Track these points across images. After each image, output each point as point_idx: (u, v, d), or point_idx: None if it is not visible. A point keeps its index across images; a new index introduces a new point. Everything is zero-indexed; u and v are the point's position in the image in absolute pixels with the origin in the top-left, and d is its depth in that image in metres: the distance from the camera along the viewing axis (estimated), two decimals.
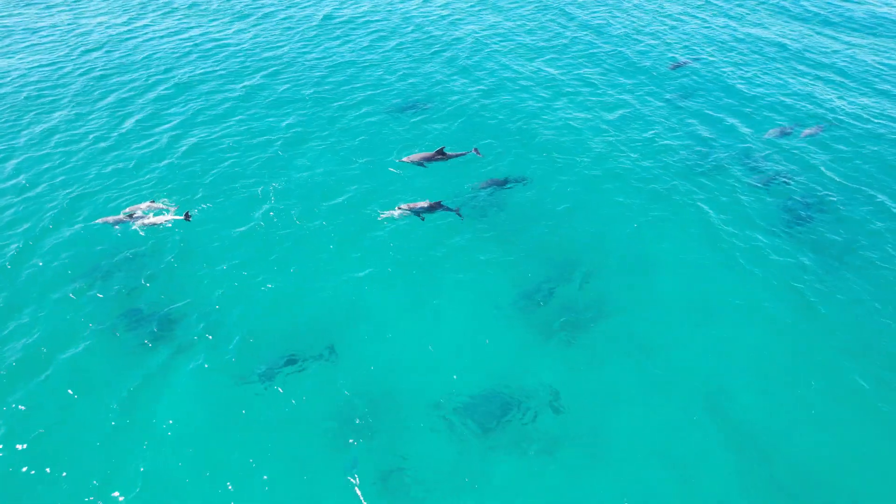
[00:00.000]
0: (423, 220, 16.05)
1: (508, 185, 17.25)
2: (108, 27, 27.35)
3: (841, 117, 20.10)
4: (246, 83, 22.74)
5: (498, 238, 15.85)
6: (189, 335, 13.33)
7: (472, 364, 12.88)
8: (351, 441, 11.45)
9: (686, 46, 24.89)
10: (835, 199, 16.75)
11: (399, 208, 16.08)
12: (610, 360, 12.92)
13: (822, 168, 17.93)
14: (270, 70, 23.59)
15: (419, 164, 17.62)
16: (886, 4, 28.29)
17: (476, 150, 18.27)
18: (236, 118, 20.77)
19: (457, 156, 17.88)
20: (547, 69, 23.34)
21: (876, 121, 19.95)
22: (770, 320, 13.66)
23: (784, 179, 17.41)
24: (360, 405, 12.03)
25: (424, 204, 16.06)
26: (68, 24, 27.64)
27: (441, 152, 17.63)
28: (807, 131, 19.29)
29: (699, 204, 16.77)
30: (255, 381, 12.41)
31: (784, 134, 19.25)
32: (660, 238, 15.81)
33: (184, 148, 19.19)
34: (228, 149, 19.19)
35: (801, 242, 15.51)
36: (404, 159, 17.67)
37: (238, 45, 25.65)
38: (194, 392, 12.26)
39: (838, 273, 14.65)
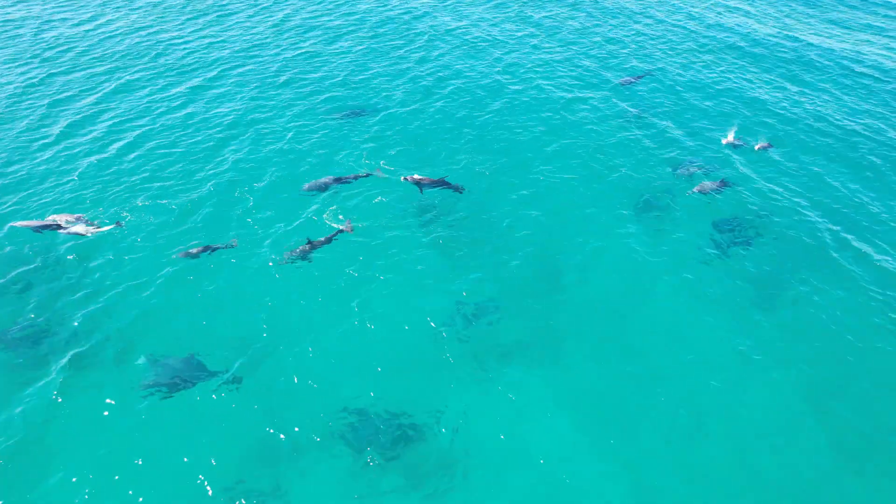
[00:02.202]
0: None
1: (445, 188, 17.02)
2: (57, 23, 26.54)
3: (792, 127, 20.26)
4: (189, 84, 22.18)
5: (438, 249, 15.59)
6: (93, 351, 12.80)
7: (389, 381, 12.57)
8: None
9: (638, 56, 24.85)
10: (774, 220, 16.81)
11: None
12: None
13: (774, 185, 17.87)
14: (215, 72, 23.04)
15: (320, 188, 17.04)
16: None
17: (378, 170, 17.65)
18: (180, 121, 20.27)
19: (357, 177, 17.35)
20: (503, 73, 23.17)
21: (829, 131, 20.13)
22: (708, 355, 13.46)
23: (732, 193, 17.43)
24: (262, 420, 11.70)
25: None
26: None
27: (338, 179, 17.17)
28: (760, 144, 19.22)
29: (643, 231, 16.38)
30: (153, 395, 11.89)
31: (735, 146, 19.19)
32: (597, 263, 15.46)
33: (121, 152, 18.61)
34: (169, 154, 18.63)
35: (736, 269, 15.39)
36: (305, 187, 17.06)
37: (187, 44, 25.03)
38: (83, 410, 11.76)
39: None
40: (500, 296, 14.33)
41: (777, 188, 17.73)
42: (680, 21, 27.94)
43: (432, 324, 13.56)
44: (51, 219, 15.28)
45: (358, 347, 13.08)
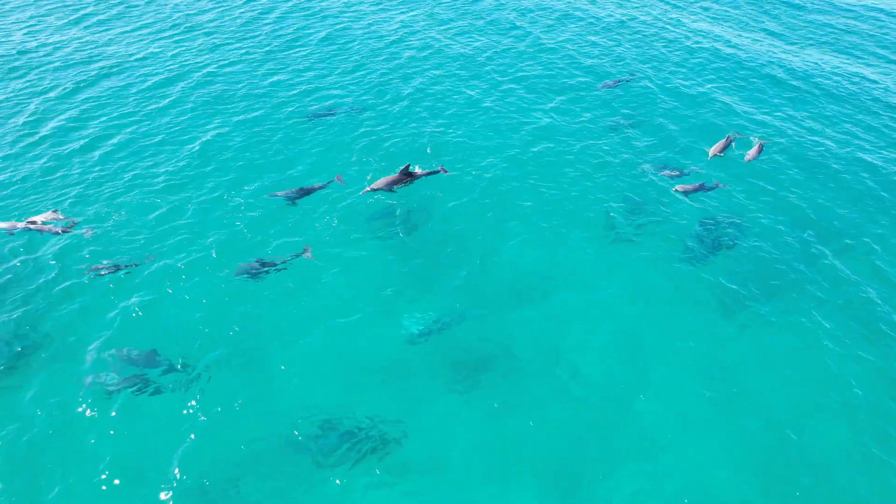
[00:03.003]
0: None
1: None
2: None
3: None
4: (163, 90, 21.85)
5: (404, 258, 15.19)
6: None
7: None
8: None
9: (620, 62, 24.39)
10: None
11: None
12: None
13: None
14: (192, 80, 22.71)
15: (286, 197, 16.50)
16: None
17: (339, 177, 17.06)
18: (148, 126, 19.94)
19: (321, 187, 16.76)
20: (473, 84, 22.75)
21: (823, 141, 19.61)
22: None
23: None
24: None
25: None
26: None
27: (303, 190, 16.59)
28: (750, 154, 18.46)
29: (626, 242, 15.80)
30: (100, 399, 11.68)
31: (720, 157, 18.44)
32: (566, 276, 14.93)
33: (95, 156, 18.37)
34: (140, 159, 18.31)
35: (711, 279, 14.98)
36: (272, 195, 16.56)
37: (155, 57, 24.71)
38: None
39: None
40: (468, 307, 13.91)
41: (755, 198, 17.22)
42: (663, 25, 27.51)
43: (398, 335, 13.24)
44: (28, 220, 15.33)
45: (322, 357, 12.87)
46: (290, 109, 20.82)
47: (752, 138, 19.28)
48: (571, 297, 14.33)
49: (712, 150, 18.39)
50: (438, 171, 17.08)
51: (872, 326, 13.64)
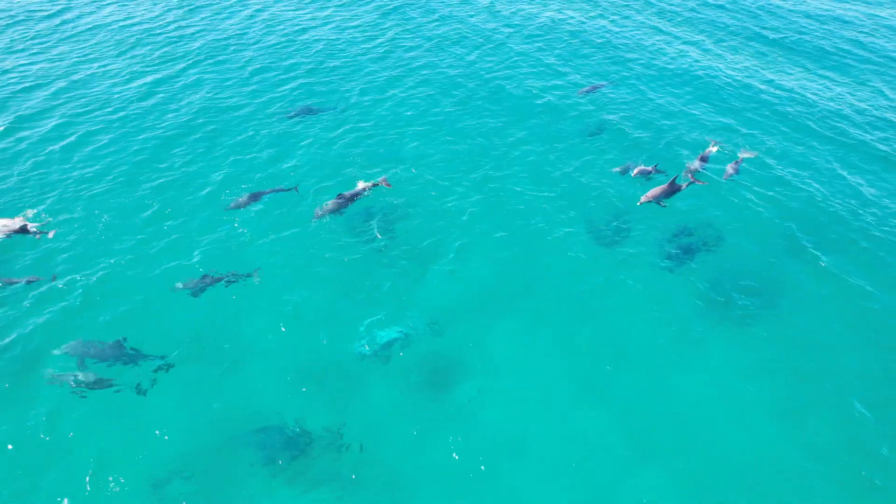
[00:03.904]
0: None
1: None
2: None
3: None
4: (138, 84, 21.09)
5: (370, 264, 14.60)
6: None
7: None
8: None
9: (600, 64, 24.04)
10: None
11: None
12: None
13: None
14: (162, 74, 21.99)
15: (245, 204, 15.91)
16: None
17: (296, 188, 16.54)
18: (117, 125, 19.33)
19: (276, 191, 16.31)
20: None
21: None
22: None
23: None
24: None
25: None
26: None
27: (256, 195, 16.06)
28: (728, 170, 17.43)
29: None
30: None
31: (700, 166, 17.59)
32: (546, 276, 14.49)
33: (63, 156, 17.90)
34: (110, 161, 17.81)
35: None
36: (232, 205, 15.93)
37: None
38: None
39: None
40: (429, 317, 13.40)
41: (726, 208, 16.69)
42: (648, 28, 27.33)
43: (353, 346, 12.81)
44: None
45: (274, 364, 12.49)
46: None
47: (739, 153, 18.33)
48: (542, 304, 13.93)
49: (644, 197, 16.02)
50: (379, 184, 16.46)
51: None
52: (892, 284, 14.28)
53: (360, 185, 16.33)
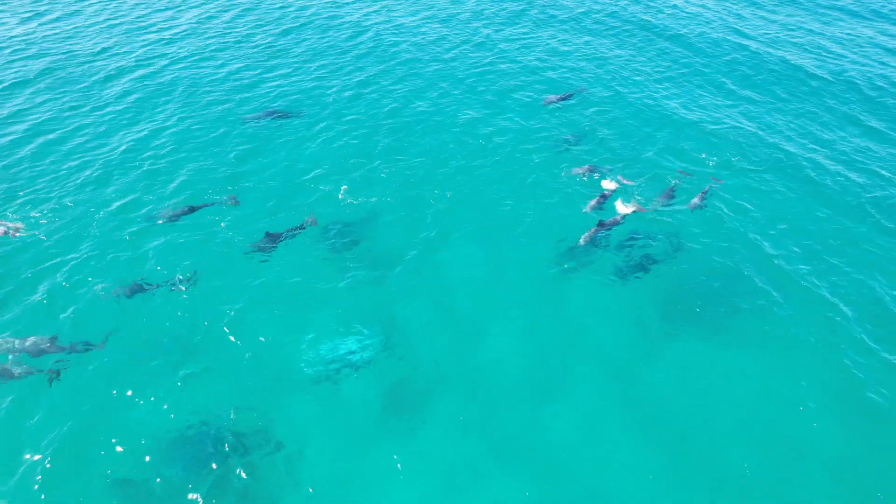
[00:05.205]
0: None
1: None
2: None
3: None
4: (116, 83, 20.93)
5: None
6: None
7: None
8: None
9: (565, 73, 23.86)
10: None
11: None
12: None
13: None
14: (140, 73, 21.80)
15: (174, 217, 15.63)
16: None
17: (234, 197, 16.30)
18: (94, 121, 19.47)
19: (206, 206, 16.02)
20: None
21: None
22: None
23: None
24: None
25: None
26: None
27: (191, 208, 15.83)
28: (693, 201, 16.65)
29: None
30: None
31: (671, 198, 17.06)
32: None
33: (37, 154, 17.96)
34: (85, 157, 17.93)
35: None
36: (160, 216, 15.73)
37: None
38: None
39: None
40: (390, 329, 13.31)
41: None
42: (613, 34, 27.09)
43: (309, 356, 12.73)
44: None
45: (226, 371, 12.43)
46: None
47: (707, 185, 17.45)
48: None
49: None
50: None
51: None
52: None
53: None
